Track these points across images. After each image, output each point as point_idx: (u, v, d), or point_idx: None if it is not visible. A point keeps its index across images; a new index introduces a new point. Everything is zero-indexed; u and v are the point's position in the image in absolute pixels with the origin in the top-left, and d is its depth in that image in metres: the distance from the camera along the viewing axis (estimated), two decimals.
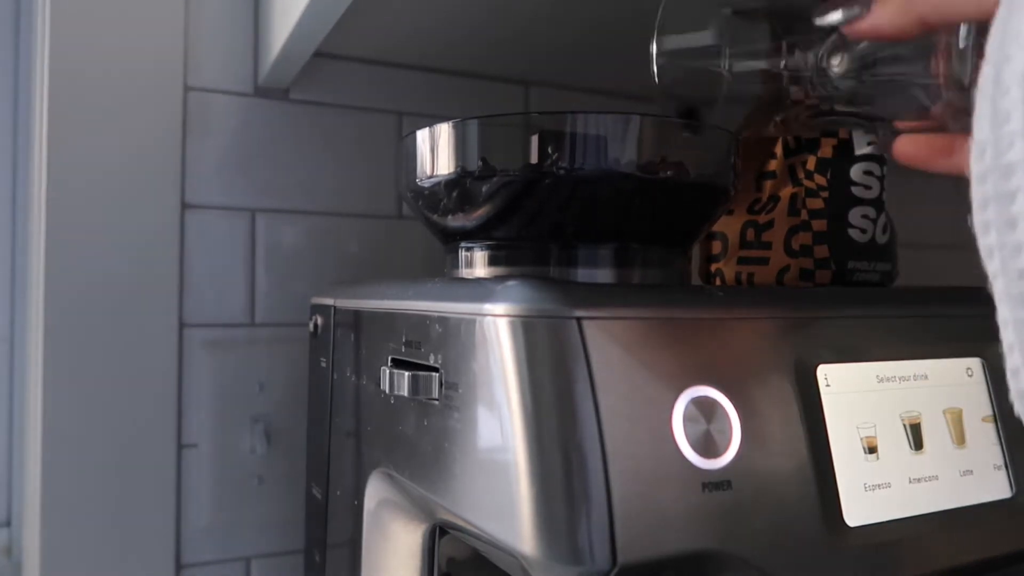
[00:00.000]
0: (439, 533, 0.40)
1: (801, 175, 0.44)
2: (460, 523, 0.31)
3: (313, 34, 0.52)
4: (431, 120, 0.36)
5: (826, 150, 0.43)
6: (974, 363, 0.37)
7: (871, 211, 0.44)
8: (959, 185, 0.20)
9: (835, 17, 0.29)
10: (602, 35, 0.58)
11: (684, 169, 0.37)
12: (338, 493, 0.47)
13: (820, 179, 0.44)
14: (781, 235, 0.44)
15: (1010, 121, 0.18)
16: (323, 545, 0.50)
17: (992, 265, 0.19)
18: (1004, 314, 0.19)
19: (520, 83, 0.70)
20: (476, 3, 0.52)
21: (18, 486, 0.70)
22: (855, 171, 0.44)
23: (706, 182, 0.38)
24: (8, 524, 0.71)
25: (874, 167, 0.44)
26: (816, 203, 0.43)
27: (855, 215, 0.44)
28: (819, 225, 0.43)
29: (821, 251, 0.43)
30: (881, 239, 0.44)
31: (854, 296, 0.39)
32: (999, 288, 0.19)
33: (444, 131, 0.37)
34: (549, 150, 0.34)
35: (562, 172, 0.34)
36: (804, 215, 0.44)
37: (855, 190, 0.44)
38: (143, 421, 0.56)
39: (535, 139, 0.35)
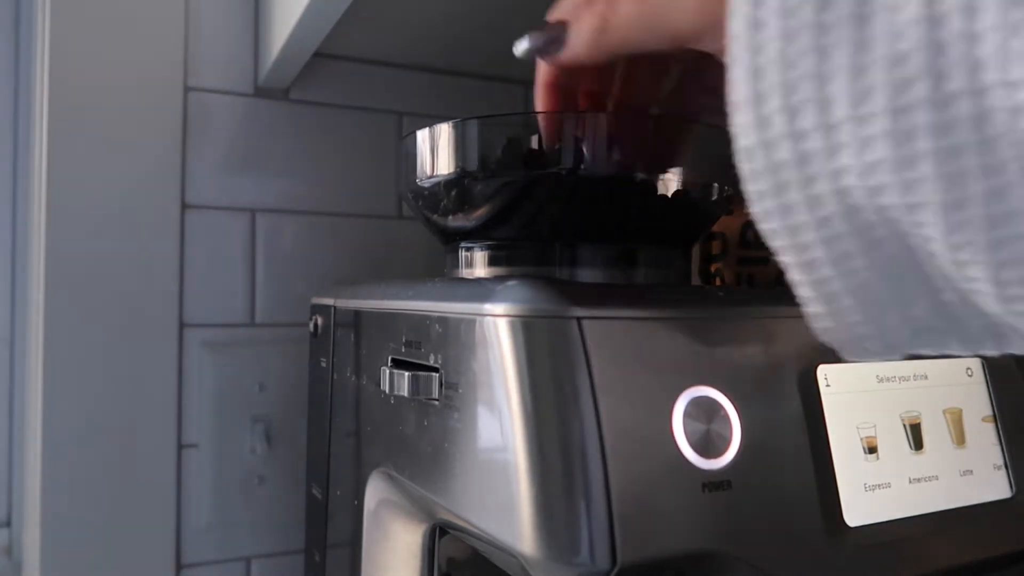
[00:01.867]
0: (439, 533, 0.40)
1: None
2: (460, 523, 0.31)
3: (313, 34, 0.52)
4: (431, 120, 0.36)
5: None
6: (974, 363, 0.37)
7: None
8: None
9: (527, 47, 0.30)
10: None
11: (685, 169, 0.37)
12: (338, 493, 0.47)
13: None
14: None
15: (772, 126, 0.21)
16: (323, 545, 0.50)
17: (777, 243, 0.23)
18: (796, 277, 0.23)
19: (520, 83, 0.70)
20: (476, 3, 0.52)
21: (18, 486, 0.70)
22: None
23: (707, 182, 0.38)
24: (8, 524, 0.71)
25: None
26: None
27: None
28: None
29: None
30: None
31: None
32: (787, 259, 0.23)
33: (444, 131, 0.36)
34: (549, 150, 0.34)
35: (562, 172, 0.34)
36: None
37: None
38: (143, 421, 0.57)
39: (535, 139, 0.35)
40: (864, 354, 0.27)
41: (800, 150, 0.21)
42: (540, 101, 0.34)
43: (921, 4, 0.18)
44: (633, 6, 0.27)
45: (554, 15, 0.30)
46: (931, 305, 0.23)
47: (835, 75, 0.20)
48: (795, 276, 0.24)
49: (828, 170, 0.21)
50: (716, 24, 0.24)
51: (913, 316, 0.24)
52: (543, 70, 0.34)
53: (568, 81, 0.34)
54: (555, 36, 0.29)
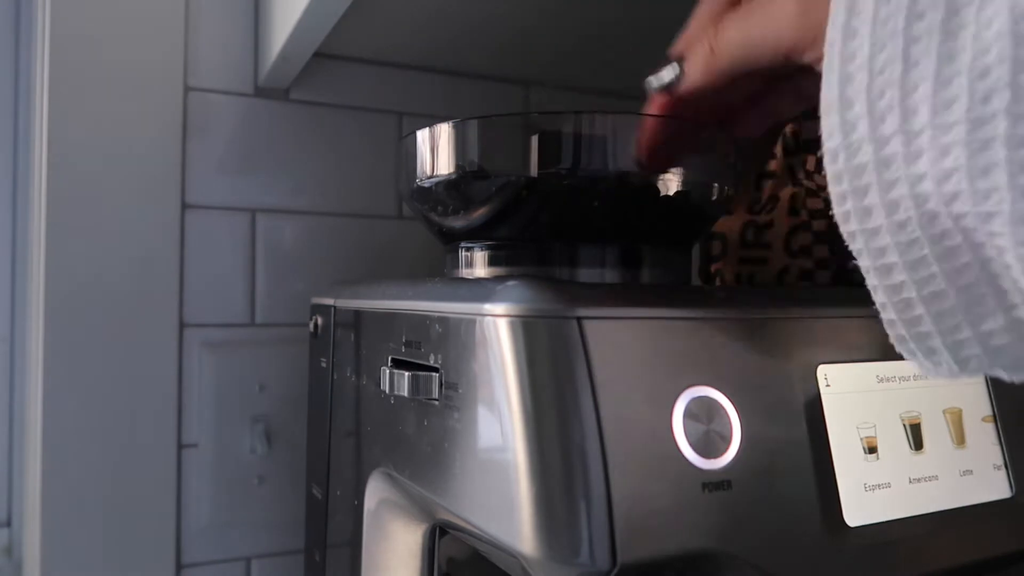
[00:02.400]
0: (439, 533, 0.40)
1: (801, 175, 0.44)
2: (460, 523, 0.31)
3: (313, 34, 0.52)
4: (431, 120, 0.36)
5: None
6: None
7: None
8: None
9: (659, 85, 0.32)
10: (602, 36, 0.58)
11: (685, 169, 0.37)
12: (338, 493, 0.47)
13: (820, 179, 0.44)
14: (781, 235, 0.44)
15: (856, 130, 0.22)
16: (323, 545, 0.50)
17: (855, 245, 0.24)
18: (872, 282, 0.24)
19: (520, 83, 0.70)
20: (476, 3, 0.52)
21: (18, 486, 0.70)
22: None
23: (707, 182, 0.38)
24: (8, 524, 0.71)
25: None
26: (816, 203, 0.43)
27: None
28: (819, 225, 0.43)
29: (821, 251, 0.43)
30: None
31: (854, 296, 0.38)
32: (864, 263, 0.24)
33: (444, 131, 0.36)
34: (549, 150, 0.34)
35: (562, 172, 0.34)
36: (804, 215, 0.44)
37: None
38: (143, 421, 0.57)
39: (535, 139, 0.35)
40: (936, 370, 0.27)
41: (881, 154, 0.21)
42: (651, 134, 0.35)
43: (1008, 21, 0.18)
44: (737, 29, 0.28)
45: (673, 50, 0.31)
46: (1006, 322, 0.23)
47: (920, 83, 0.20)
48: (871, 281, 0.24)
49: (907, 175, 0.21)
50: (816, 38, 0.25)
51: (985, 333, 0.24)
52: (656, 102, 0.34)
53: (684, 110, 0.34)
54: (678, 70, 0.31)
